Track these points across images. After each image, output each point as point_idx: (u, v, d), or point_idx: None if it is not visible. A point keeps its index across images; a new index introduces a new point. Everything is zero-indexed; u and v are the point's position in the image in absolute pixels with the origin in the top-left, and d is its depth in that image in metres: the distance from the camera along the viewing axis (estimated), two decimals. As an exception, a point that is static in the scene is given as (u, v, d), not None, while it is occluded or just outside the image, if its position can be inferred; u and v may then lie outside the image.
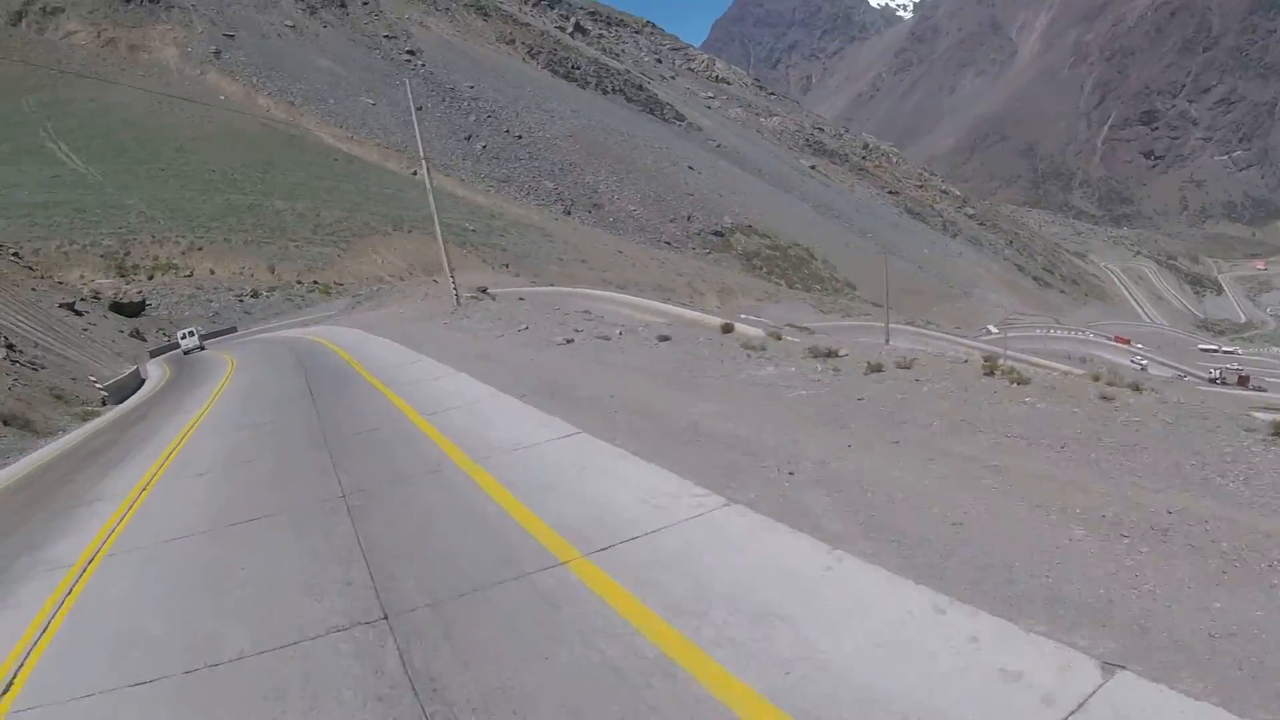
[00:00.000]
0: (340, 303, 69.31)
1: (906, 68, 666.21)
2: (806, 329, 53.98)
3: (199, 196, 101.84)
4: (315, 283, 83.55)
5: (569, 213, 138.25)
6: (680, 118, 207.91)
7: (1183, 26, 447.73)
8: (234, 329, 67.63)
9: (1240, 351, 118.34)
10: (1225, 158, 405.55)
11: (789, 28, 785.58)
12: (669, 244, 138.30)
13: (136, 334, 61.43)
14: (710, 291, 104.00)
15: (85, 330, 52.46)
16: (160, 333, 65.84)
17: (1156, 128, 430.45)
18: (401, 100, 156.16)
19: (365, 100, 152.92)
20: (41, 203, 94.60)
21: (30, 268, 64.93)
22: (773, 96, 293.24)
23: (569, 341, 19.17)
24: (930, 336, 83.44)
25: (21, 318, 42.17)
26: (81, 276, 78.64)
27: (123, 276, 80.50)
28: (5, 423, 22.03)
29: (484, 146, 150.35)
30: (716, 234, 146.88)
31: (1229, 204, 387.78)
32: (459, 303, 33.94)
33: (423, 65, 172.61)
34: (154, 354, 55.97)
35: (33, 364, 31.39)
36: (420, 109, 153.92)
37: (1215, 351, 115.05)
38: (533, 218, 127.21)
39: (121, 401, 30.67)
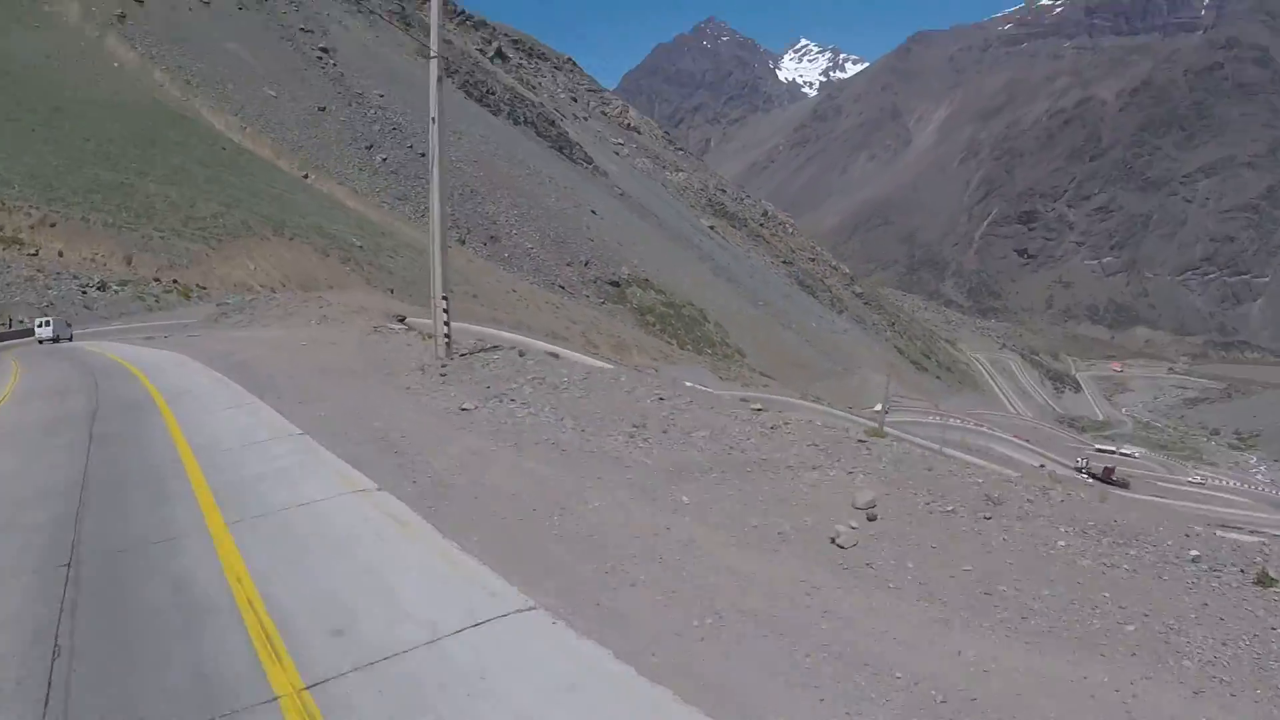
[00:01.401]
0: (202, 310, 61.96)
1: (804, 143, 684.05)
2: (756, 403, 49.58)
3: (65, 166, 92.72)
4: (175, 282, 75.60)
5: (464, 242, 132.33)
6: (589, 160, 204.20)
7: (1074, 135, 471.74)
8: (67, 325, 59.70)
9: (1138, 454, 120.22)
10: (1095, 263, 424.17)
11: (697, 89, 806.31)
12: (563, 288, 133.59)
13: (-62, 319, 53.37)
14: (605, 344, 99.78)
15: None
16: (-32, 320, 57.13)
17: (1034, 227, 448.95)
18: (304, 97, 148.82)
19: (268, 92, 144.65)
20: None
21: None
22: (680, 152, 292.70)
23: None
24: (833, 413, 79.38)
25: None
26: (-90, 238, 70.27)
27: (-42, 244, 72.10)
28: None
29: (384, 159, 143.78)
30: (613, 284, 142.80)
31: (1092, 307, 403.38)
32: (449, 354, 19.55)
33: (334, 65, 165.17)
34: (-54, 347, 47.96)
35: None
36: (322, 109, 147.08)
37: (1113, 453, 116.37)
38: (425, 243, 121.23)
39: None
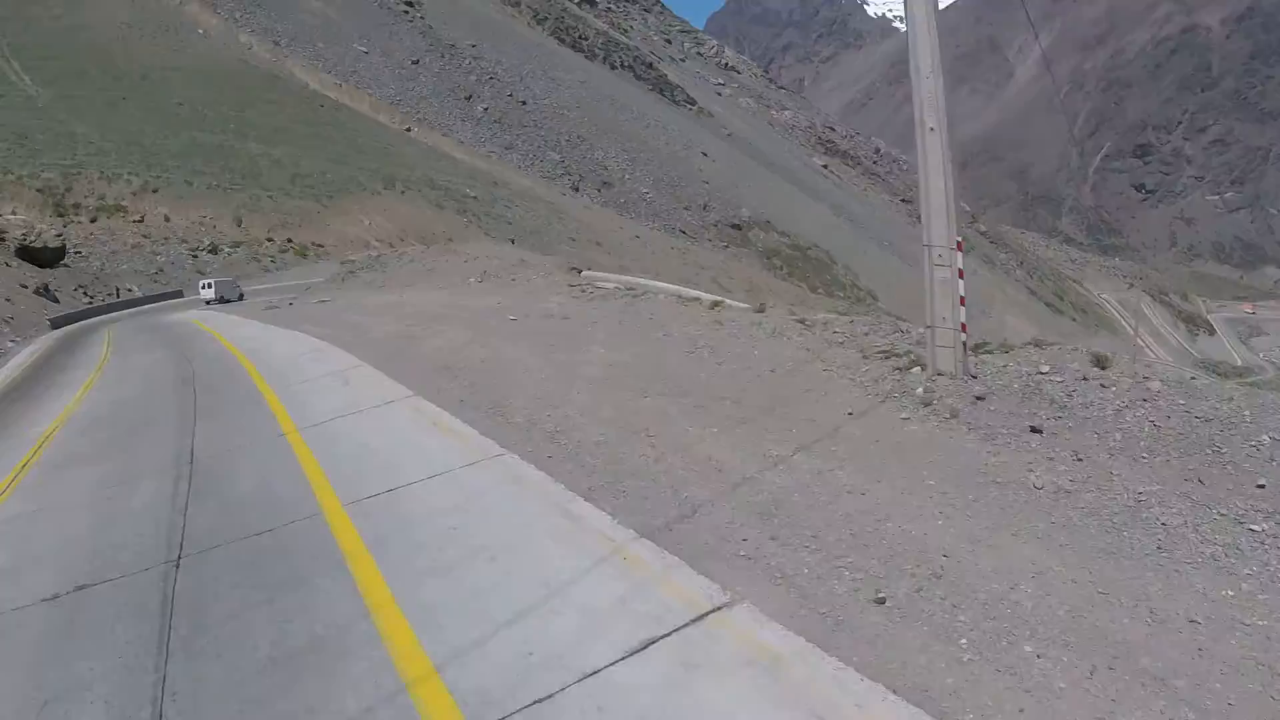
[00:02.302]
0: (323, 269, 55.22)
1: (901, 79, 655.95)
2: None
3: (160, 131, 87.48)
4: (289, 241, 69.47)
5: (577, 189, 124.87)
6: (691, 101, 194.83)
7: (1182, 65, 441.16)
8: (179, 293, 53.11)
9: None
10: (1216, 198, 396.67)
11: (784, 28, 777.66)
12: (684, 233, 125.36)
13: (45, 291, 45.13)
14: (738, 290, 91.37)
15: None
16: (79, 290, 49.62)
17: (1149, 161, 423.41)
18: (396, 51, 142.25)
19: (358, 48, 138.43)
20: (-24, 125, 79.79)
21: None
22: (783, 90, 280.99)
23: None
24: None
25: None
26: (14, 212, 64.59)
27: (61, 216, 66.00)
28: None
29: (485, 109, 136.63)
30: (734, 227, 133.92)
31: (1218, 245, 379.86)
32: (966, 362, 9.06)
33: (421, 18, 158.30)
34: (57, 322, 39.73)
35: None
36: (416, 63, 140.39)
37: None
38: (538, 190, 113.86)
39: None
